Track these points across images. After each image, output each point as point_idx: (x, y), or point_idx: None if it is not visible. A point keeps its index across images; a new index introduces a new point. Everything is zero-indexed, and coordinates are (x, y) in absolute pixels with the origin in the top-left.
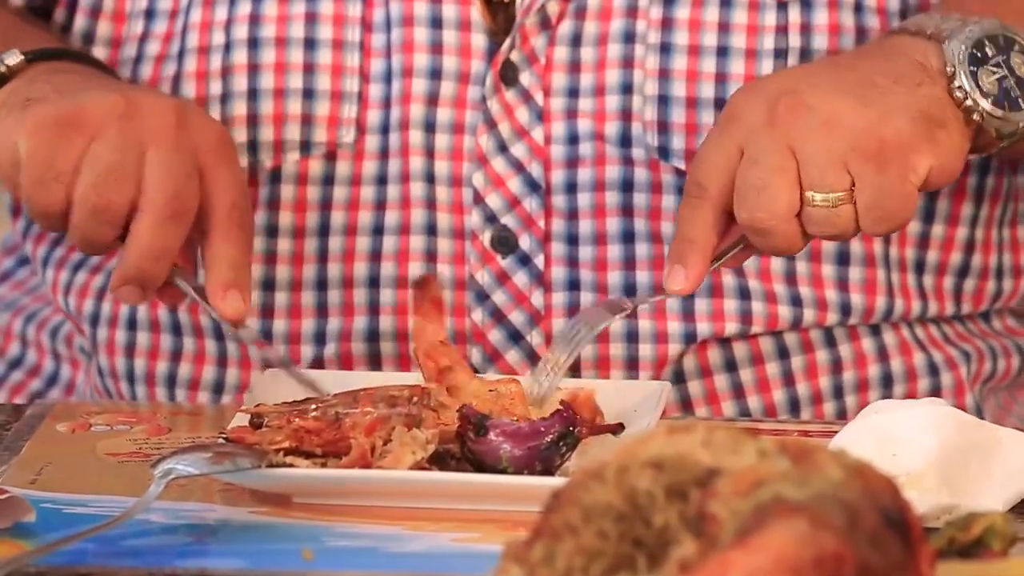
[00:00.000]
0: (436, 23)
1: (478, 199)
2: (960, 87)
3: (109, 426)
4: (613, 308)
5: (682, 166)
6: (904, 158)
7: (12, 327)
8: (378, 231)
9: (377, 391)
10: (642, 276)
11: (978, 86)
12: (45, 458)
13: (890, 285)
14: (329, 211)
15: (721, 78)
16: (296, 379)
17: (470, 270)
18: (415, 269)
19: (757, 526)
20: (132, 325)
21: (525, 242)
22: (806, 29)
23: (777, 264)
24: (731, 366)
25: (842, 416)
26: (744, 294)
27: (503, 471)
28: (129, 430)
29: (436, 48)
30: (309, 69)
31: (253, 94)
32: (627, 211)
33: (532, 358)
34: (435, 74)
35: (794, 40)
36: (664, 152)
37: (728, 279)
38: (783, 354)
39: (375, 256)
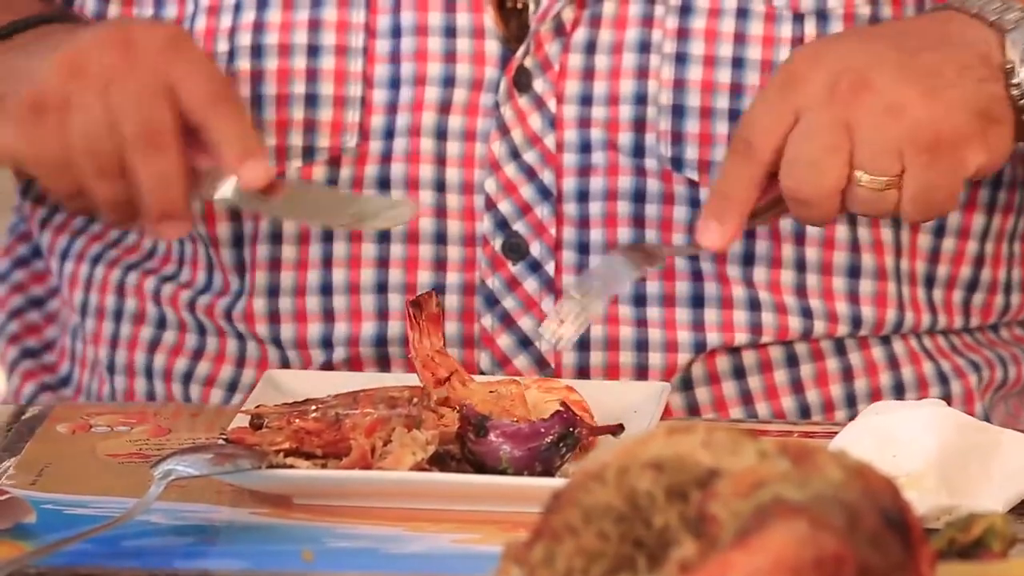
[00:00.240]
0: (450, 32)
1: (490, 205)
2: (1018, 84)
3: (109, 427)
4: (647, 258)
5: (695, 177)
6: (957, 153)
7: (29, 317)
8: (384, 238)
9: (377, 392)
10: (652, 287)
11: None
12: (45, 459)
13: (900, 298)
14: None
15: (736, 89)
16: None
17: (480, 275)
18: (424, 277)
19: (757, 527)
20: (156, 323)
21: (536, 249)
22: None
23: (787, 276)
24: (739, 373)
25: None
26: (754, 305)
27: (503, 472)
28: (129, 431)
29: (450, 56)
30: (312, 76)
31: (257, 101)
32: (638, 221)
33: (540, 364)
34: (448, 82)
35: None
36: (677, 163)
37: (738, 290)
38: (792, 362)
39: (382, 263)
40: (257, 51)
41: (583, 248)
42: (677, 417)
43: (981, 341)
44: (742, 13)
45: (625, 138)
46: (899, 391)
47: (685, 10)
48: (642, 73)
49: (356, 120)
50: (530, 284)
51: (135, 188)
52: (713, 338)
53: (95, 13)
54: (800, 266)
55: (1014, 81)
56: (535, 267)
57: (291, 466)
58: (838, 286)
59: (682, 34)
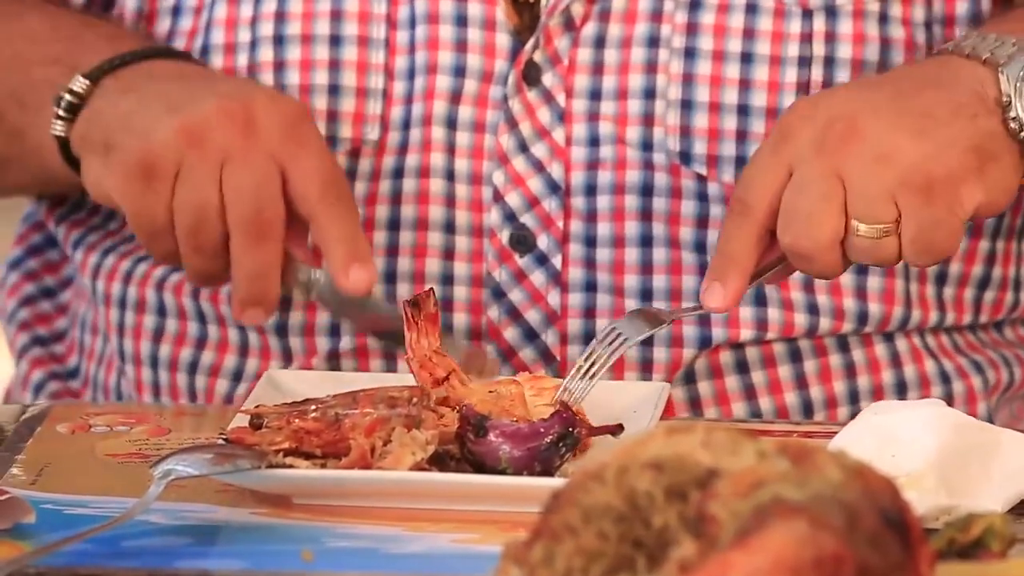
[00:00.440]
0: (461, 21)
1: (497, 197)
2: (1016, 118)
3: (109, 427)
4: (652, 320)
5: (703, 171)
6: (953, 192)
7: (41, 307)
8: (394, 226)
9: (377, 392)
10: (659, 280)
11: None
12: (45, 459)
13: (908, 295)
14: None
15: (745, 84)
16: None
17: (487, 268)
18: (432, 265)
19: (757, 527)
20: (161, 311)
21: (543, 242)
22: (831, 38)
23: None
24: (743, 367)
25: None
26: (760, 300)
27: (503, 472)
28: (129, 431)
29: (460, 46)
30: (335, 66)
31: (279, 90)
32: (646, 215)
33: (546, 357)
34: (459, 72)
35: (818, 48)
36: (685, 157)
37: None
38: (796, 357)
39: (392, 250)
40: (279, 40)
41: (590, 241)
42: (679, 411)
43: (985, 341)
44: (751, 8)
45: (633, 132)
46: (901, 389)
47: (694, 5)
48: (651, 68)
49: (378, 112)
50: (537, 277)
51: (230, 268)
52: (719, 334)
53: (134, 16)
54: None
55: (1011, 115)
56: (542, 260)
57: (291, 466)
58: (845, 281)
59: (691, 29)
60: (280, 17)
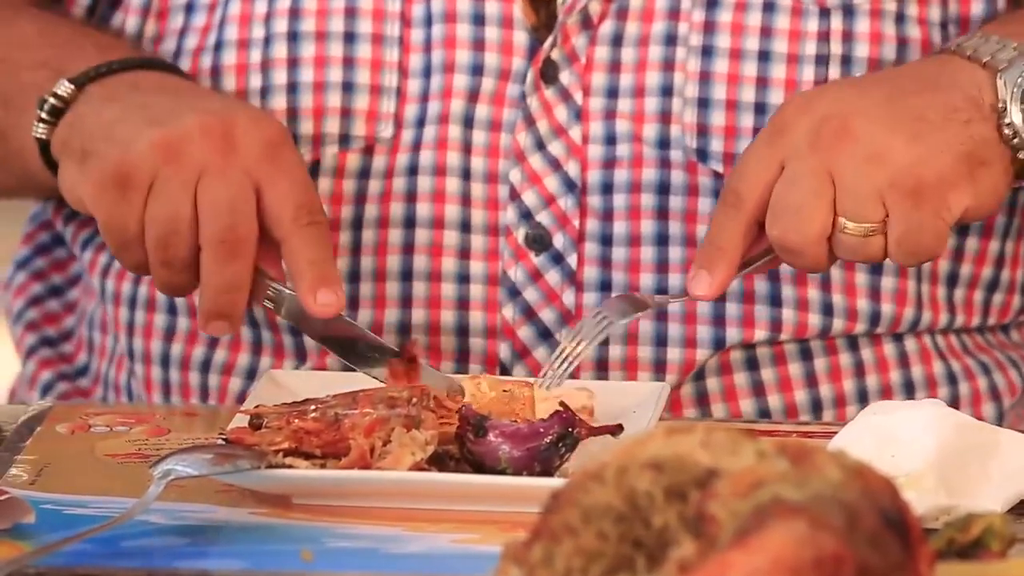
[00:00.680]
0: (478, 20)
1: (514, 195)
2: (1010, 124)
3: (108, 427)
4: (636, 305)
5: (720, 169)
6: (941, 196)
7: (49, 306)
8: (410, 224)
9: (376, 392)
10: (675, 279)
11: None
12: (45, 459)
13: (919, 296)
14: (363, 204)
15: (762, 82)
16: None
17: (503, 266)
18: (448, 264)
19: (756, 527)
20: (172, 310)
21: (559, 241)
22: (848, 37)
23: None
24: (752, 364)
25: None
26: (775, 301)
27: (502, 472)
28: (128, 431)
29: (478, 45)
30: (349, 63)
31: (293, 88)
32: (662, 214)
33: None
34: (476, 70)
35: (835, 47)
36: (703, 155)
37: (760, 285)
38: (806, 355)
39: (407, 249)
40: (293, 37)
41: (606, 240)
42: (687, 407)
43: (992, 343)
44: (768, 7)
45: (650, 130)
46: (908, 389)
47: (712, 3)
48: (668, 66)
49: (391, 110)
50: (552, 276)
51: (198, 282)
52: (732, 334)
53: (134, 31)
54: None
55: (1006, 121)
56: (558, 259)
57: (290, 466)
58: (860, 281)
59: (708, 27)
60: (294, 14)
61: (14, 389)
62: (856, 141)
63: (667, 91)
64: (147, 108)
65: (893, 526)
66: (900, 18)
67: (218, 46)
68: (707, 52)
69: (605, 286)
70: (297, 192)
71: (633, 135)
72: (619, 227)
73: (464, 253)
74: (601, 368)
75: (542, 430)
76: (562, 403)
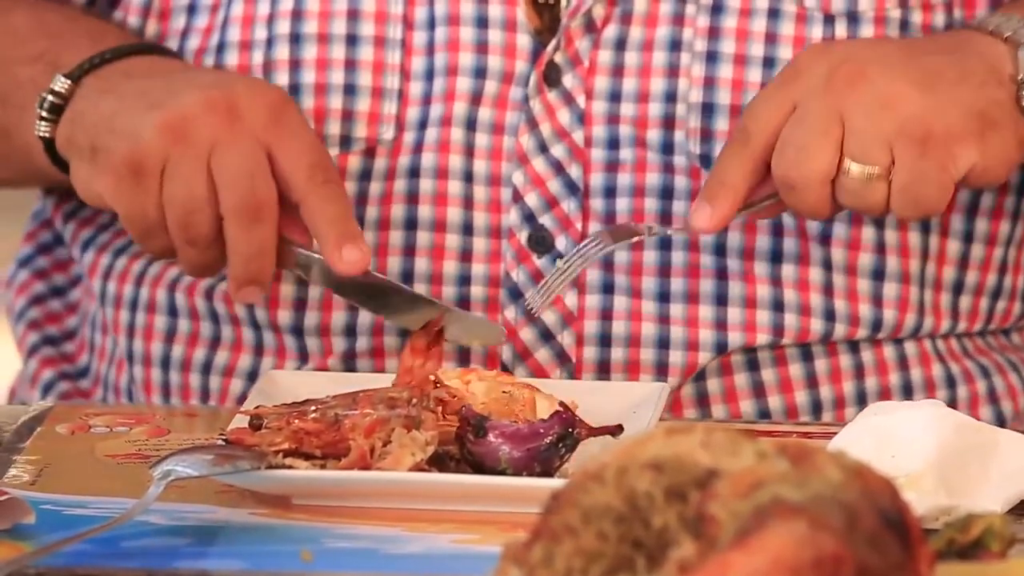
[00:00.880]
0: (482, 23)
1: (517, 198)
2: None
3: (108, 428)
4: (629, 232)
5: None
6: (947, 148)
7: (51, 306)
8: (411, 226)
9: (376, 393)
10: (676, 284)
11: None
12: (45, 460)
13: (922, 303)
14: (365, 206)
15: None
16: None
17: (505, 268)
18: (450, 267)
19: (756, 527)
20: (173, 312)
21: (561, 243)
22: None
23: (815, 274)
24: (753, 365)
25: None
26: (778, 306)
27: (502, 472)
28: (128, 432)
29: (481, 48)
30: (351, 65)
31: (294, 89)
32: (665, 218)
33: (562, 358)
34: (479, 73)
35: None
36: (706, 160)
37: (763, 289)
38: (807, 357)
39: (409, 251)
40: (295, 39)
41: None
42: (687, 408)
43: (992, 345)
44: (773, 13)
45: (654, 135)
46: (907, 391)
47: (716, 9)
48: (672, 71)
49: (393, 112)
50: None
51: (226, 254)
52: (735, 338)
53: (134, 30)
54: (827, 265)
55: (1023, 92)
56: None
57: (290, 466)
58: (863, 288)
59: (713, 33)
60: (297, 15)
61: (14, 388)
62: (870, 85)
63: (671, 96)
64: (145, 94)
65: (893, 526)
66: (904, 24)
67: (220, 47)
68: (711, 58)
69: (607, 288)
70: (309, 152)
71: (636, 139)
72: None
73: (466, 255)
74: (603, 370)
75: (542, 431)
76: (562, 403)
